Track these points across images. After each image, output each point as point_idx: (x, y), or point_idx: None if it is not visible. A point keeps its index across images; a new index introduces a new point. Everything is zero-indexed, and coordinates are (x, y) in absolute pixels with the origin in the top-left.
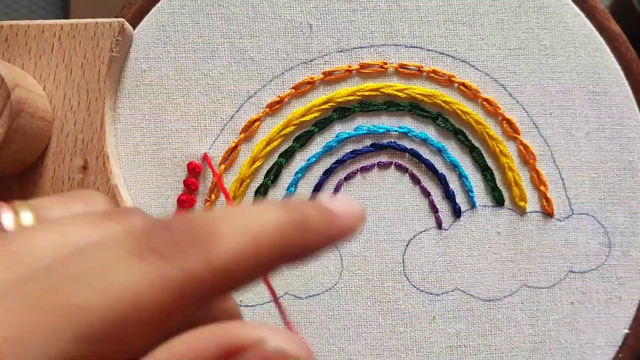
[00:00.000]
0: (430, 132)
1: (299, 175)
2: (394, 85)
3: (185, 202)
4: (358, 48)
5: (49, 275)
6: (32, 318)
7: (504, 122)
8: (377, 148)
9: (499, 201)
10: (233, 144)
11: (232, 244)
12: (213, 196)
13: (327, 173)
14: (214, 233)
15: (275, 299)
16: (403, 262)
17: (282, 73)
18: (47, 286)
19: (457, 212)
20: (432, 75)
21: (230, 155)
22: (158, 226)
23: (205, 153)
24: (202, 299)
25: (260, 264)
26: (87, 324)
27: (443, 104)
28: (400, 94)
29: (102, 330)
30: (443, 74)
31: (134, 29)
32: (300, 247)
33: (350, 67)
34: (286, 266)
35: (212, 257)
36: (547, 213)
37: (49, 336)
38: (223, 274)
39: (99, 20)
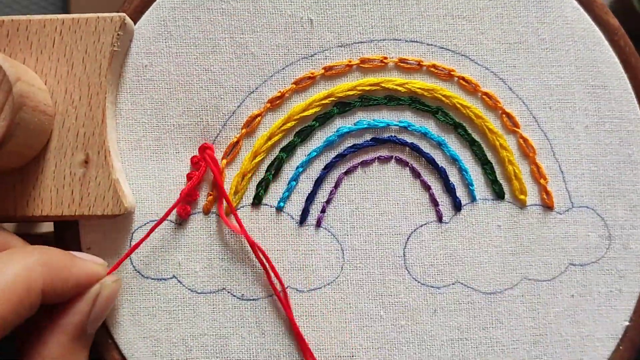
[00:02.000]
0: (430, 126)
1: (300, 169)
2: (394, 80)
3: (188, 196)
4: (358, 43)
5: None
6: None
7: (504, 115)
8: (377, 142)
9: (499, 194)
10: (235, 139)
11: None
12: (215, 190)
13: (328, 167)
14: None
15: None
16: (404, 256)
17: (283, 68)
18: None
19: (457, 206)
20: (432, 69)
21: (232, 150)
22: None
23: (206, 144)
24: None
25: (20, 301)
26: None
27: (443, 98)
28: (400, 88)
29: None
30: (443, 68)
31: (135, 23)
32: (49, 282)
33: (350, 61)
34: (46, 301)
35: None
36: (547, 206)
37: None
38: None
39: (100, 14)
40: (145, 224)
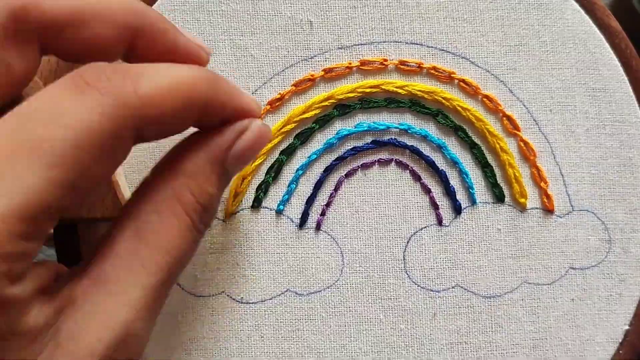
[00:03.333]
0: (430, 128)
1: (300, 172)
2: (394, 82)
3: None
4: (358, 45)
5: (13, 116)
6: (5, 151)
7: (504, 118)
8: (377, 145)
9: (499, 198)
10: None
11: (156, 81)
12: None
13: (328, 170)
14: (139, 73)
15: None
16: (404, 259)
17: (283, 70)
18: (13, 125)
19: (457, 209)
20: (432, 71)
21: None
22: (89, 66)
23: None
24: (137, 125)
25: (179, 103)
26: (52, 152)
27: (443, 101)
28: (400, 90)
29: (64, 155)
30: (443, 70)
31: None
32: (210, 99)
33: (350, 64)
34: (201, 117)
35: (139, 89)
36: (548, 209)
37: (23, 165)
38: (151, 104)
39: None
40: None
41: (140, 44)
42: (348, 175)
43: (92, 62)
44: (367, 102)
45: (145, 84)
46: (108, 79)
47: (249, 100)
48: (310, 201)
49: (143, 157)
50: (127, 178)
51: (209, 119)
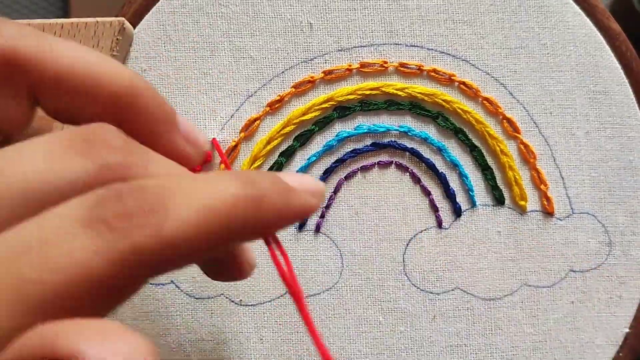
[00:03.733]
0: (430, 131)
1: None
2: (394, 84)
3: None
4: (358, 47)
5: (0, 245)
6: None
7: (505, 121)
8: (377, 147)
9: (499, 200)
10: (233, 143)
11: (184, 218)
12: None
13: (328, 172)
14: (165, 206)
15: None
16: (403, 261)
17: (282, 72)
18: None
19: (457, 211)
20: (433, 74)
21: (231, 154)
22: (111, 195)
23: (214, 138)
24: (151, 272)
25: (212, 240)
26: (36, 296)
27: (443, 103)
28: (400, 93)
29: (51, 302)
30: (443, 73)
31: (134, 28)
32: (254, 223)
33: (350, 66)
34: (241, 242)
35: (162, 231)
36: (548, 212)
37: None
38: (173, 248)
39: (99, 19)
40: None
41: (131, 126)
42: (348, 177)
43: (116, 185)
44: (367, 105)
45: (171, 222)
46: (129, 216)
47: (303, 204)
48: None
49: None
50: None
51: (249, 239)
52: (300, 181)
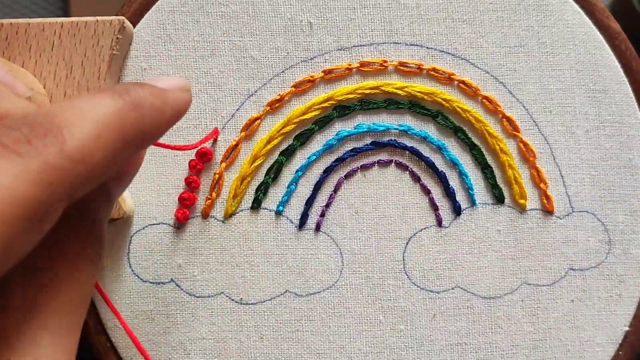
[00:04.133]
0: (430, 130)
1: (300, 173)
2: (394, 83)
3: (186, 200)
4: (358, 46)
5: None
6: None
7: (504, 119)
8: (377, 146)
9: (499, 199)
10: (234, 142)
11: (81, 134)
12: (214, 194)
13: (328, 171)
14: (59, 126)
15: None
16: (403, 260)
17: (283, 71)
18: None
19: (457, 210)
20: (432, 73)
21: (231, 153)
22: (5, 123)
23: (216, 127)
24: (70, 189)
25: (112, 148)
26: None
27: (443, 102)
28: (400, 92)
29: None
30: (443, 71)
31: (134, 27)
32: (141, 125)
33: (350, 65)
34: (139, 147)
35: (65, 147)
36: (547, 211)
37: None
38: (80, 162)
39: (99, 18)
40: (143, 228)
41: None
42: (348, 176)
43: (3, 121)
44: (366, 104)
45: (71, 141)
46: (28, 140)
47: (179, 95)
48: (309, 202)
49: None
50: None
51: (144, 145)
52: (169, 82)
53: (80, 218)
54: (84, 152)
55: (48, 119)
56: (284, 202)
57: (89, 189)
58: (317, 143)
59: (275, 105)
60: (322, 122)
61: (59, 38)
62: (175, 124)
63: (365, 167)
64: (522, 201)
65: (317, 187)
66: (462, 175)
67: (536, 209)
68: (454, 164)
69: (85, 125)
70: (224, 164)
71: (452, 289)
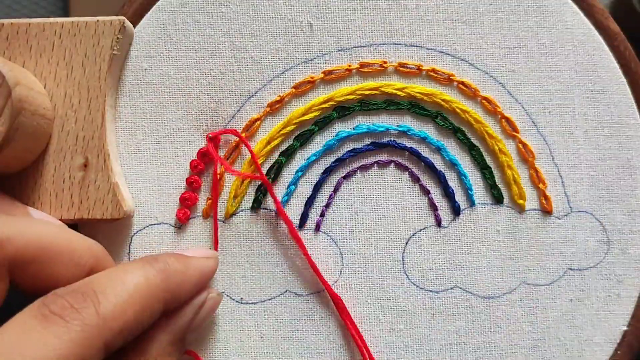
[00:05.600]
0: (429, 130)
1: (299, 173)
2: (394, 84)
3: (187, 200)
4: (358, 47)
5: None
6: None
7: (503, 120)
8: (376, 147)
9: (498, 199)
10: (234, 143)
11: (113, 296)
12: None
13: (327, 172)
14: (96, 292)
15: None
16: (403, 260)
17: (283, 72)
18: None
19: (456, 210)
20: (432, 74)
21: (232, 154)
22: (49, 297)
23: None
24: (105, 342)
25: (141, 306)
26: None
27: (442, 103)
28: (399, 92)
29: None
30: (442, 72)
31: (135, 27)
32: (167, 289)
33: (350, 66)
34: (167, 305)
35: (101, 309)
36: (546, 211)
37: None
38: (113, 320)
39: (100, 18)
40: (144, 228)
41: None
42: (347, 176)
43: (54, 291)
44: (366, 104)
45: (105, 303)
46: (71, 305)
47: (203, 263)
48: (309, 202)
49: (142, 159)
50: (127, 180)
51: (174, 304)
52: (195, 251)
53: None
54: (116, 311)
55: (87, 285)
56: (284, 203)
57: (124, 341)
58: (317, 144)
59: (276, 106)
60: (322, 122)
61: (60, 38)
62: (176, 125)
63: (364, 168)
64: (521, 201)
65: (317, 187)
66: (461, 175)
67: (535, 209)
68: (453, 165)
69: (118, 289)
70: (222, 167)
71: (451, 288)
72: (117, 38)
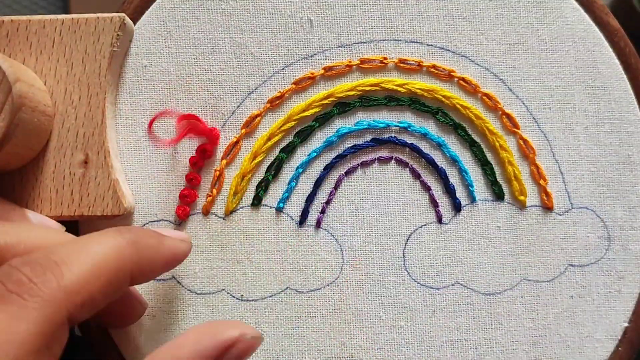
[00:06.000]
0: (430, 126)
1: (300, 170)
2: (394, 80)
3: (187, 197)
4: (358, 43)
5: None
6: None
7: (504, 116)
8: (377, 143)
9: (498, 195)
10: (234, 140)
11: (77, 267)
12: (215, 191)
13: (328, 168)
14: (60, 261)
15: None
16: (403, 257)
17: (283, 68)
18: None
19: (457, 207)
20: (432, 70)
21: (232, 150)
22: (8, 267)
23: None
24: (70, 315)
25: (108, 279)
26: None
27: (443, 99)
28: (400, 88)
29: None
30: (443, 68)
31: (135, 24)
32: (137, 262)
33: (350, 62)
34: (134, 280)
35: (63, 282)
36: (547, 207)
37: None
38: (77, 291)
39: (100, 15)
40: (144, 225)
41: None
42: (348, 173)
43: (9, 262)
44: (367, 100)
45: (68, 275)
46: (29, 279)
47: (177, 244)
48: (310, 199)
49: (142, 156)
50: (127, 176)
51: (144, 275)
52: (170, 232)
53: None
54: (80, 283)
55: (47, 256)
56: (285, 199)
57: (88, 315)
58: (318, 140)
59: (276, 102)
60: (323, 119)
61: (60, 35)
62: (176, 123)
63: (365, 164)
64: (521, 198)
65: (318, 183)
66: (462, 171)
67: (536, 206)
68: (454, 161)
69: (82, 258)
70: (224, 161)
71: (452, 285)
72: (118, 35)
